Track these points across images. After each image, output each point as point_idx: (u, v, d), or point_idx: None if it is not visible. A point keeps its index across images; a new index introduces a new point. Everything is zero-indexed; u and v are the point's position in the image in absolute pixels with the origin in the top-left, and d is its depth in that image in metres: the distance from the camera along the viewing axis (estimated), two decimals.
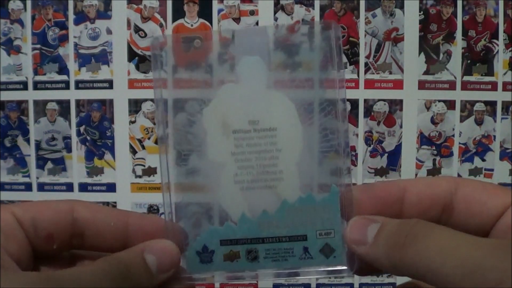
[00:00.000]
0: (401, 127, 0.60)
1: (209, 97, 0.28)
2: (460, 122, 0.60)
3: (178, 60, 0.28)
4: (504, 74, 0.60)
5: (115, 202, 0.60)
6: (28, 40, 0.61)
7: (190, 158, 0.28)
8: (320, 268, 0.27)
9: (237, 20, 0.59)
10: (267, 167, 0.27)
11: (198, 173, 0.28)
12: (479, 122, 0.60)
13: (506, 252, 0.20)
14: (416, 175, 0.60)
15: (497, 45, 0.60)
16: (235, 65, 0.27)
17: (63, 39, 0.60)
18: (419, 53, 0.59)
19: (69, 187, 0.61)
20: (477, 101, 0.60)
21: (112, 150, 0.60)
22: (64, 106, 0.61)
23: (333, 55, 0.27)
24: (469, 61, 0.60)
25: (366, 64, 0.59)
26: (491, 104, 0.60)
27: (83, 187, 0.61)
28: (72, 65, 0.60)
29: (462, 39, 0.60)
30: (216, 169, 0.28)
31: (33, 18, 0.60)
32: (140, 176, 0.60)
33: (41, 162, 0.61)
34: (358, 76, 0.59)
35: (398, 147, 0.60)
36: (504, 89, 0.60)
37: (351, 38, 0.59)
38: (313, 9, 0.59)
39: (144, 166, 0.60)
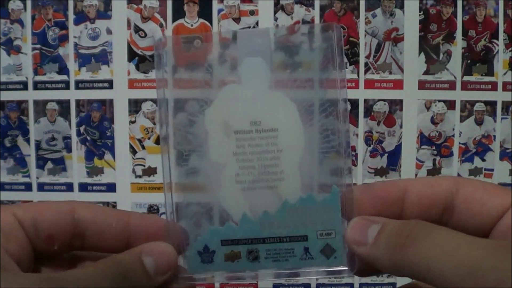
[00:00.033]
0: (401, 127, 0.60)
1: (211, 98, 0.28)
2: (460, 122, 0.60)
3: (178, 60, 0.28)
4: (504, 74, 0.60)
5: (115, 202, 0.60)
6: (28, 40, 0.60)
7: (190, 158, 0.28)
8: (320, 269, 0.28)
9: (237, 20, 0.59)
10: (268, 167, 0.27)
11: (199, 173, 0.28)
12: (479, 122, 0.60)
13: (506, 252, 0.20)
14: (416, 175, 0.60)
15: (497, 45, 0.60)
16: (238, 66, 0.28)
17: (63, 39, 0.60)
18: (419, 53, 0.59)
19: (69, 187, 0.61)
20: (477, 101, 0.60)
21: (112, 150, 0.60)
22: (64, 106, 0.61)
23: (335, 55, 0.27)
24: (469, 61, 0.60)
25: (366, 64, 0.59)
26: (491, 104, 0.60)
27: (83, 187, 0.61)
28: (72, 65, 0.60)
29: (462, 39, 0.60)
30: (217, 169, 0.28)
31: (33, 18, 0.60)
32: (140, 176, 0.60)
33: (41, 162, 0.61)
34: (358, 76, 0.59)
35: (398, 147, 0.60)
36: (504, 89, 0.60)
37: (351, 38, 0.59)
38: (313, 9, 0.59)
39: (144, 166, 0.60)
